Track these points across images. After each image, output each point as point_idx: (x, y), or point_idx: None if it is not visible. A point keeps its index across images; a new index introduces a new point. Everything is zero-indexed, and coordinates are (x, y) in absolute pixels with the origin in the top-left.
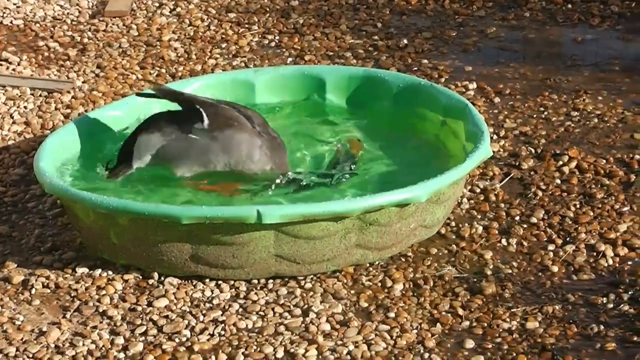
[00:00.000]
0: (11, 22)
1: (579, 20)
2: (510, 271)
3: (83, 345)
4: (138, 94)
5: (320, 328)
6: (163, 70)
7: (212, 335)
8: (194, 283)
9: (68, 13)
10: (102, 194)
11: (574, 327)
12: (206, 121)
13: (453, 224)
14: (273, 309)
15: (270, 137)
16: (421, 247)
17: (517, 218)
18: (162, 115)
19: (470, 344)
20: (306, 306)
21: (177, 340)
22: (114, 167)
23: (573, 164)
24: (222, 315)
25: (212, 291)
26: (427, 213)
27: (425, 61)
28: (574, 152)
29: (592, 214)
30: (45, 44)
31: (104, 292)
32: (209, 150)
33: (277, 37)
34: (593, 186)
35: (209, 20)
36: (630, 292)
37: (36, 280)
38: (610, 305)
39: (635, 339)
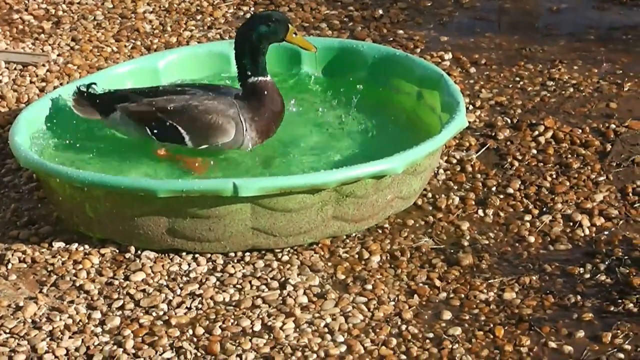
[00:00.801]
0: None
1: None
2: (487, 242)
3: (60, 320)
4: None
5: (298, 301)
6: (138, 43)
7: (189, 308)
8: (171, 257)
9: None
10: (78, 167)
11: (551, 298)
12: (187, 137)
13: (429, 195)
14: (250, 282)
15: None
16: (398, 218)
17: (494, 189)
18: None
19: (447, 315)
20: (283, 279)
21: (154, 314)
22: (87, 99)
23: (549, 133)
24: (199, 288)
25: (189, 265)
26: (403, 184)
27: (401, 32)
28: (549, 121)
29: (568, 184)
30: (20, 17)
31: (80, 266)
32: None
33: (252, 9)
34: (569, 156)
35: None
36: (606, 262)
37: (12, 255)
38: (587, 276)
39: (612, 308)
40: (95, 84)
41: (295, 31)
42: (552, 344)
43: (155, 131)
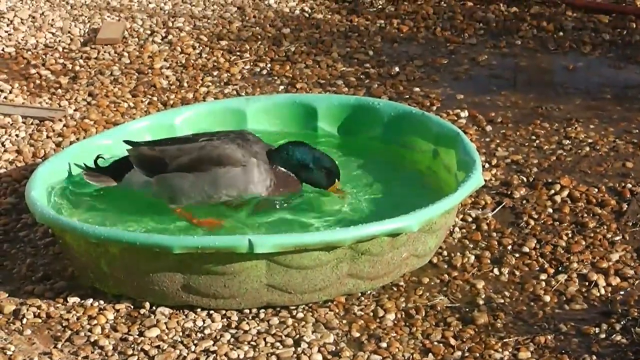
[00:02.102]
0: (3, 50)
1: (570, 47)
2: (502, 301)
3: None
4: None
5: (312, 358)
6: (155, 98)
7: None
8: (186, 313)
9: (60, 41)
10: (93, 222)
11: (566, 358)
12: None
13: (445, 253)
14: (265, 339)
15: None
16: (413, 276)
17: (509, 247)
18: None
19: None
20: (298, 336)
21: None
22: (99, 170)
23: (565, 192)
24: (213, 345)
25: (203, 321)
26: (418, 242)
27: (417, 89)
28: (565, 180)
29: (584, 243)
30: (37, 72)
31: (95, 321)
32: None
33: (269, 65)
34: (585, 215)
35: (201, 47)
36: (622, 322)
37: (27, 310)
38: (603, 336)
39: None
40: (102, 157)
41: (338, 186)
42: None
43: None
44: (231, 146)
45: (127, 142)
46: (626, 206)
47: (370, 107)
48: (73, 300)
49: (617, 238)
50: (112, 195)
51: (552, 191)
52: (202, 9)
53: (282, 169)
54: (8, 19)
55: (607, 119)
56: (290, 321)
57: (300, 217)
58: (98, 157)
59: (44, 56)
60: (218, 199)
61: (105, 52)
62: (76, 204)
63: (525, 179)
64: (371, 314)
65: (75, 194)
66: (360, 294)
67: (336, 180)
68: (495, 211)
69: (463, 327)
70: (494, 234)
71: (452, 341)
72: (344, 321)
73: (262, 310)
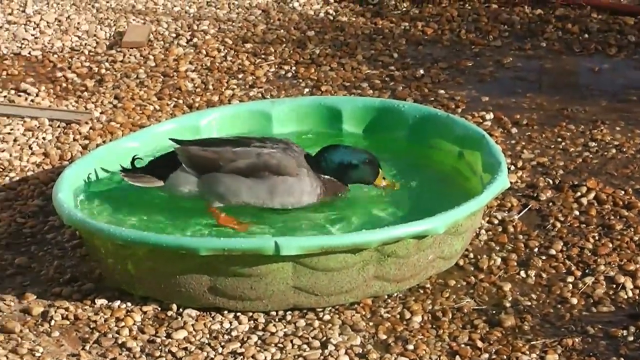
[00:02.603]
0: (29, 53)
1: (595, 50)
2: (529, 303)
3: None
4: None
5: None
6: (180, 101)
7: None
8: (213, 315)
9: (86, 44)
10: (120, 224)
11: None
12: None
13: (471, 255)
14: (292, 341)
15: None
16: (439, 278)
17: (536, 250)
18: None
19: None
20: (325, 338)
21: None
22: (139, 169)
23: (591, 195)
24: (240, 347)
25: (230, 323)
26: (445, 245)
27: (442, 91)
28: (592, 183)
29: (611, 245)
30: (63, 75)
31: (122, 323)
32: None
33: (294, 68)
34: (612, 217)
35: (226, 50)
36: None
37: (55, 312)
38: (631, 338)
39: None
40: (139, 158)
41: (384, 175)
42: None
43: None
44: (286, 155)
45: (172, 140)
46: None
47: (395, 109)
48: (100, 302)
49: None
50: (139, 197)
51: (579, 193)
52: (227, 12)
53: (326, 176)
54: (34, 23)
55: (633, 120)
56: (316, 323)
57: (327, 219)
58: (135, 158)
59: (70, 59)
60: (271, 206)
61: (130, 55)
62: (103, 206)
63: (551, 181)
64: (398, 316)
65: (102, 196)
66: (386, 296)
67: (379, 170)
68: (521, 213)
69: (490, 329)
70: (521, 236)
71: (479, 343)
72: (371, 323)
73: (289, 312)
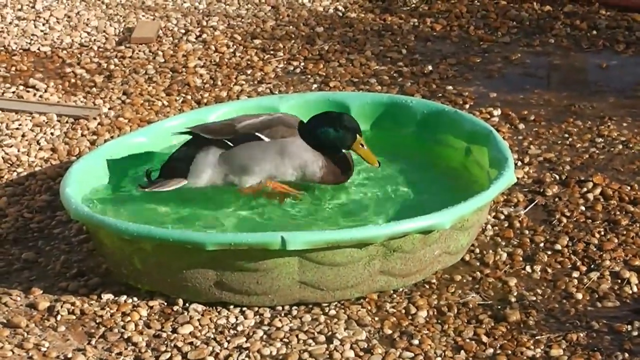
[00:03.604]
0: (38, 49)
1: (603, 46)
2: (534, 298)
3: None
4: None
5: (345, 355)
6: (189, 97)
7: None
8: (219, 309)
9: (95, 40)
10: (127, 219)
11: (598, 355)
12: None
13: (477, 250)
14: (297, 336)
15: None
16: (445, 273)
17: (542, 245)
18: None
19: None
20: (330, 333)
21: None
22: (155, 179)
23: (597, 190)
24: (246, 341)
25: (236, 318)
26: (451, 240)
27: (450, 87)
28: (598, 178)
29: (616, 240)
30: (72, 71)
31: (128, 318)
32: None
33: (302, 64)
34: (618, 213)
35: (235, 46)
36: None
37: (62, 307)
38: (635, 333)
39: None
40: (152, 170)
41: (362, 142)
42: None
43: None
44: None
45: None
46: None
47: (403, 105)
48: (107, 296)
49: None
50: (145, 193)
51: (585, 189)
52: (236, 8)
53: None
54: (44, 19)
55: None
56: (322, 318)
57: (333, 214)
58: (148, 172)
59: (79, 55)
60: (285, 171)
61: (139, 51)
62: (110, 201)
63: (557, 177)
64: (403, 311)
65: (110, 191)
66: (392, 291)
67: (357, 135)
68: (527, 209)
69: (495, 324)
70: (526, 232)
71: (484, 338)
72: (376, 318)
73: (295, 307)
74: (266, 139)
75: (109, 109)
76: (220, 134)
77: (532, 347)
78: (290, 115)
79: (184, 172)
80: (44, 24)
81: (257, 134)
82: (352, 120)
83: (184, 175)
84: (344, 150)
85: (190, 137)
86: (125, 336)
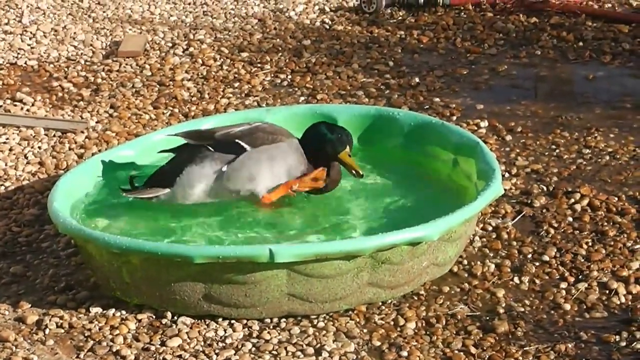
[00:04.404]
0: (25, 63)
1: (590, 57)
2: (522, 309)
3: None
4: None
5: None
6: (176, 110)
7: None
8: (207, 322)
9: (82, 53)
10: (115, 232)
11: None
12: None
13: (465, 262)
14: (286, 348)
15: None
16: (433, 285)
17: (530, 256)
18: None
19: None
20: (319, 345)
21: None
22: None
23: (585, 201)
24: (235, 354)
25: (225, 330)
26: (439, 251)
27: (437, 99)
28: (585, 189)
29: (604, 251)
30: (59, 85)
31: (117, 331)
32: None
33: (290, 76)
34: (605, 224)
35: (222, 59)
36: None
37: (50, 320)
38: (623, 344)
39: None
40: (136, 176)
41: (349, 153)
42: None
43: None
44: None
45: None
46: None
47: (390, 117)
48: (95, 310)
49: (638, 246)
50: (133, 206)
51: (572, 200)
52: (223, 21)
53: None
54: (31, 32)
55: (627, 128)
56: (311, 330)
57: (321, 226)
58: (133, 176)
59: (66, 69)
60: (284, 172)
61: (127, 64)
62: (98, 214)
63: (545, 188)
64: (392, 322)
65: (97, 204)
66: (380, 303)
67: (348, 146)
68: (515, 220)
69: (483, 335)
70: (514, 243)
71: (473, 349)
72: (365, 330)
73: (283, 319)
74: (247, 147)
75: (97, 122)
76: (200, 139)
77: (520, 357)
78: (269, 123)
79: (169, 183)
80: (30, 38)
81: (237, 141)
82: (348, 132)
83: (169, 186)
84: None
85: (178, 151)
86: (114, 349)
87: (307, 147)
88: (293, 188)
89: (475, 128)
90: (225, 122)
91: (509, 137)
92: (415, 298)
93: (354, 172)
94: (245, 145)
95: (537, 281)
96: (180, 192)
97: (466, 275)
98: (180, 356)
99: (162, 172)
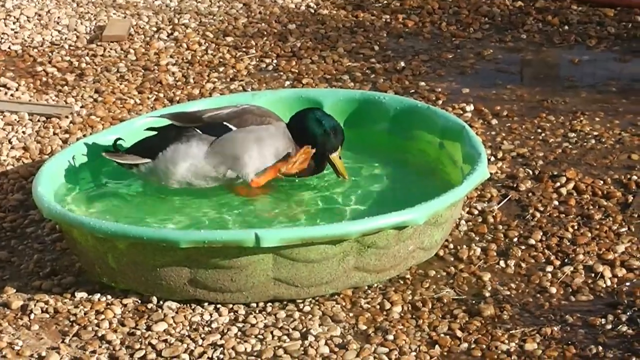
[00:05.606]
0: (9, 48)
1: (575, 41)
2: (508, 293)
3: None
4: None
5: (319, 351)
6: (161, 95)
7: (211, 359)
8: (193, 307)
9: (66, 38)
10: (100, 217)
11: (572, 349)
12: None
13: (451, 246)
14: (272, 332)
15: None
16: (419, 269)
17: (515, 239)
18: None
19: None
20: (305, 329)
21: None
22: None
23: (571, 185)
24: (220, 339)
25: (210, 315)
26: (425, 235)
27: (423, 83)
28: (571, 173)
29: (590, 235)
30: (44, 69)
31: (102, 316)
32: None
33: (275, 61)
34: (591, 207)
35: (207, 44)
36: (628, 313)
37: (35, 305)
38: (609, 327)
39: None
40: (120, 138)
41: (340, 155)
42: None
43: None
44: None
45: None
46: (632, 198)
47: (376, 101)
48: (80, 295)
49: (623, 230)
50: (120, 190)
51: (558, 184)
52: (207, 5)
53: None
54: (14, 17)
55: (613, 112)
56: (297, 314)
57: (307, 212)
58: (117, 139)
59: (50, 54)
60: (272, 154)
61: (111, 49)
62: (83, 199)
63: (531, 172)
64: (378, 306)
65: (82, 189)
66: (367, 287)
67: (339, 146)
68: (501, 204)
69: (469, 319)
70: (500, 227)
71: (459, 333)
72: (351, 314)
73: (269, 303)
74: (234, 128)
75: (81, 107)
76: (188, 121)
77: (506, 341)
78: (258, 106)
79: (152, 155)
80: (14, 23)
81: (225, 123)
82: (341, 130)
83: (151, 157)
84: None
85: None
86: (100, 334)
87: (295, 134)
88: (282, 171)
89: (461, 112)
90: (210, 107)
91: (494, 121)
92: (402, 282)
93: (340, 176)
94: (233, 128)
95: (523, 265)
96: (162, 168)
97: (452, 259)
98: (166, 340)
99: (146, 142)
